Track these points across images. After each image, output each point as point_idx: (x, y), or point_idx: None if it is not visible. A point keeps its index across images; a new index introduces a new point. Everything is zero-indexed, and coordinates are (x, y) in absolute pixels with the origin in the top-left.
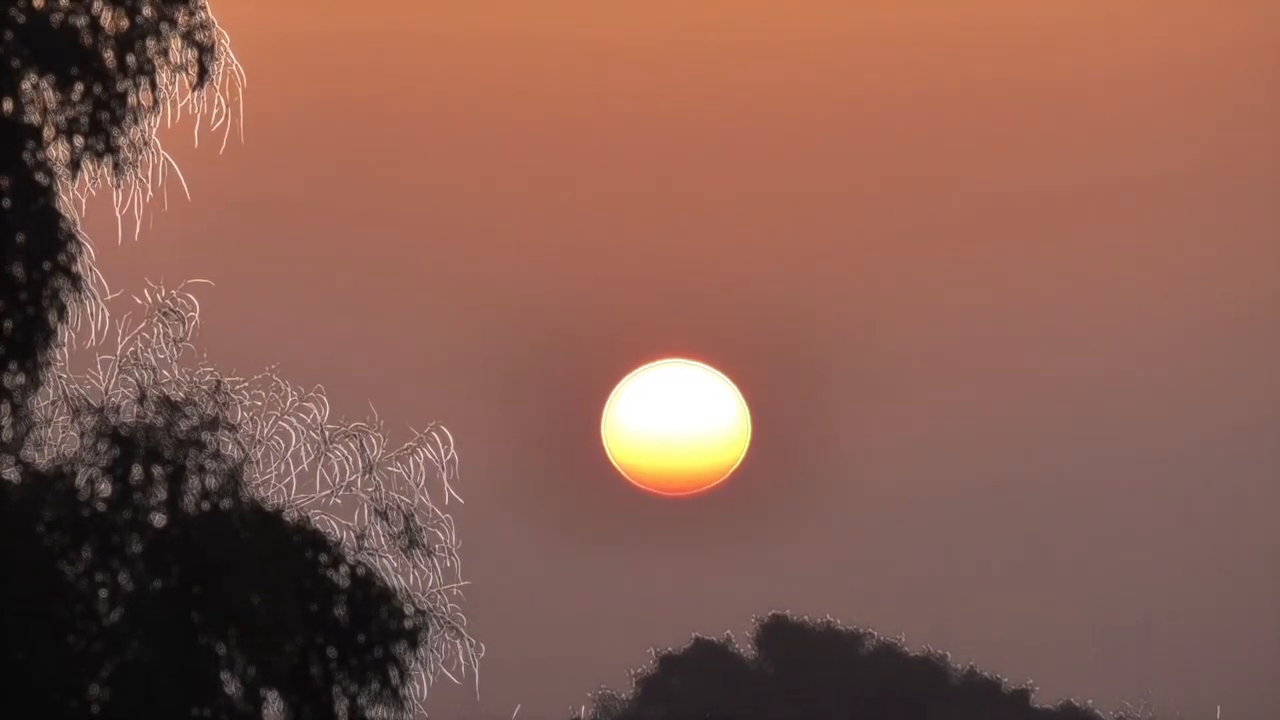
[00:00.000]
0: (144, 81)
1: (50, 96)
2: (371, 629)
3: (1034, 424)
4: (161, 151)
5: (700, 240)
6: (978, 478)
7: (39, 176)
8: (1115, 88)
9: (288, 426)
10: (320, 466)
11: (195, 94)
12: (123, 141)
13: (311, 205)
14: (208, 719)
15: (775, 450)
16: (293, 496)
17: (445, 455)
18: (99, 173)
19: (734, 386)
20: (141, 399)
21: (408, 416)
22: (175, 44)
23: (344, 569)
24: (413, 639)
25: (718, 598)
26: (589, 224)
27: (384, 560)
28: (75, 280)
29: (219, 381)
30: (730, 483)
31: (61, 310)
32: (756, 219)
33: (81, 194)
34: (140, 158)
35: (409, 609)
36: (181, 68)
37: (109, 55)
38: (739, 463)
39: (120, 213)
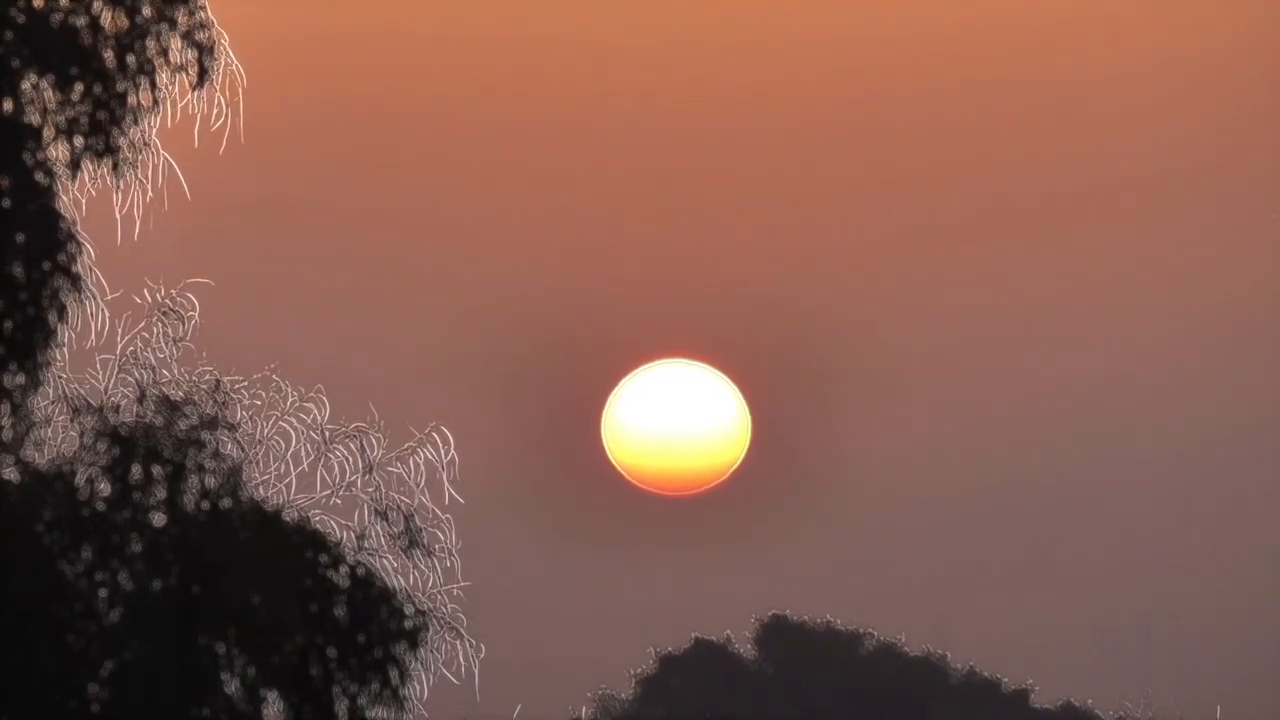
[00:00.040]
0: (144, 81)
1: (50, 96)
2: (371, 629)
3: (1034, 424)
4: (161, 151)
5: (700, 240)
6: (978, 478)
7: (39, 176)
8: (1115, 88)
9: (288, 426)
10: (320, 467)
11: (195, 94)
12: (123, 141)
13: (311, 205)
14: (207, 719)
15: (775, 450)
16: (293, 496)
17: (445, 455)
18: (99, 173)
19: (734, 386)
20: (141, 398)
21: (408, 416)
22: (175, 44)
23: (344, 569)
24: (413, 639)
25: (718, 598)
26: (589, 224)
27: (384, 560)
28: (75, 280)
29: (219, 381)
30: (730, 483)
31: (61, 310)
32: (756, 219)
33: (81, 194)
34: (140, 158)
35: (409, 609)
36: (181, 68)
37: (109, 55)
38: (739, 463)
39: (120, 213)
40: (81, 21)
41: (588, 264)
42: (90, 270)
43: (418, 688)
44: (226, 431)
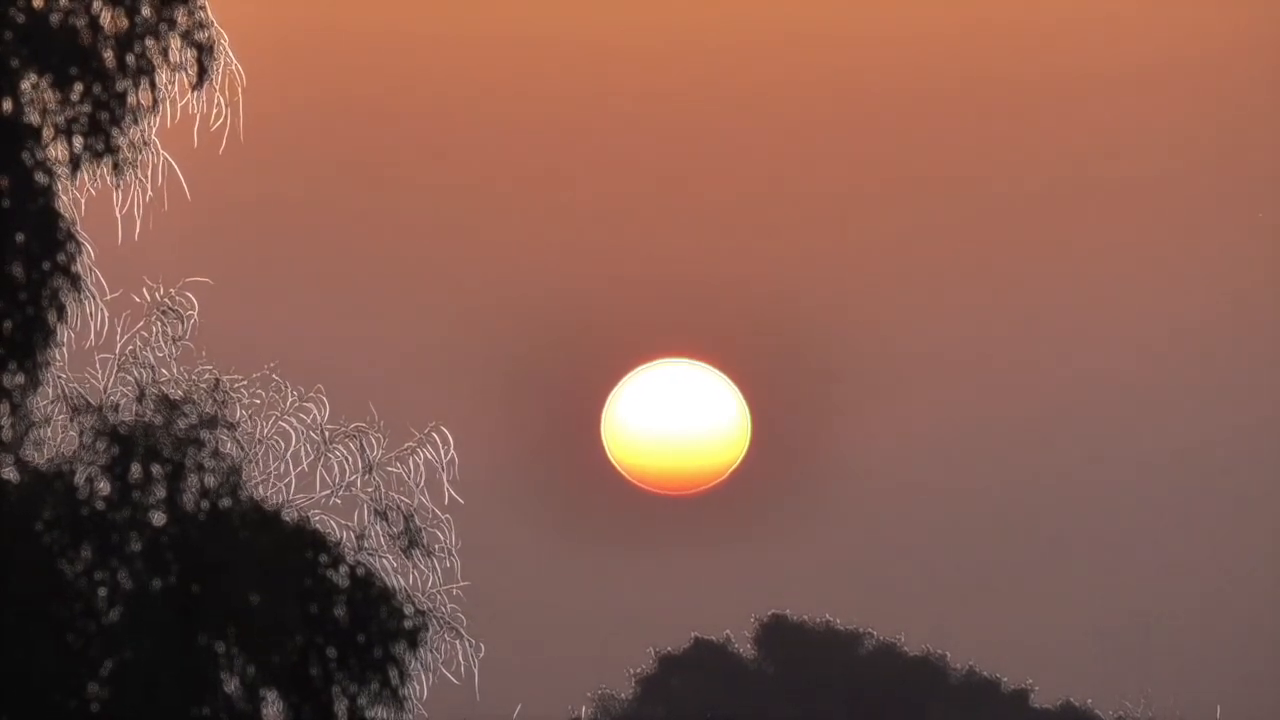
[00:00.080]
0: (143, 81)
1: (50, 96)
2: (371, 629)
3: (1034, 423)
4: (161, 151)
5: (700, 240)
6: (978, 478)
7: (38, 176)
8: (1115, 88)
9: (287, 426)
10: (320, 466)
11: (195, 94)
12: (122, 141)
13: (311, 205)
14: (207, 718)
15: (775, 450)
16: (292, 496)
17: (445, 455)
18: (98, 173)
19: (734, 386)
20: (140, 398)
21: (408, 416)
22: (175, 44)
23: (344, 569)
24: (412, 639)
25: (718, 598)
26: (589, 224)
27: (384, 560)
28: (75, 280)
29: (218, 380)
30: (730, 483)
31: (61, 310)
32: (756, 219)
33: (81, 194)
34: (140, 157)
35: (409, 609)
36: (181, 67)
37: (108, 55)
38: (739, 463)
39: (120, 212)
40: (81, 21)
41: (588, 264)
42: (90, 270)
43: (417, 688)
44: (226, 431)
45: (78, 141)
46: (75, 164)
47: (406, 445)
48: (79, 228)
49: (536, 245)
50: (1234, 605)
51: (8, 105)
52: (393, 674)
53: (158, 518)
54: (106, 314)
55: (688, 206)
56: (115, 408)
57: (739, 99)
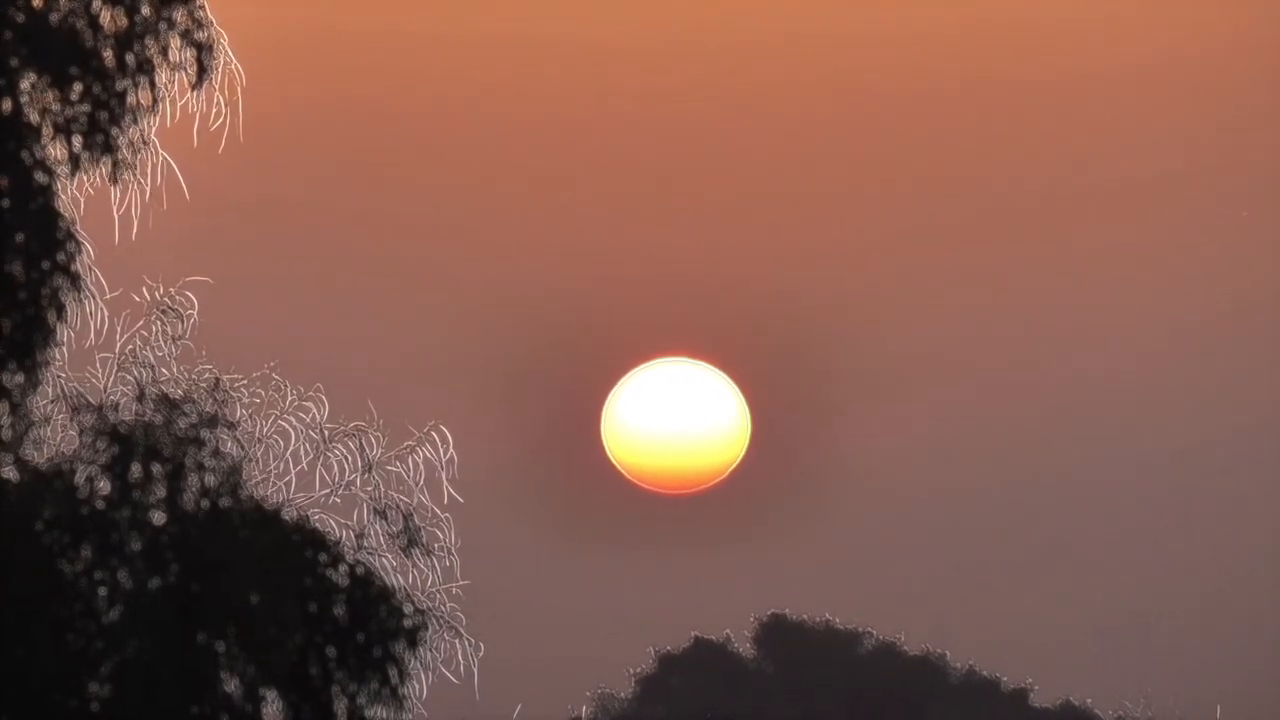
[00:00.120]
0: (143, 81)
1: (49, 96)
2: (371, 628)
3: (1034, 424)
4: (160, 151)
5: (700, 240)
6: (978, 478)
7: (38, 176)
8: (1115, 88)
9: (287, 425)
10: (319, 465)
11: (194, 93)
12: (121, 141)
13: (311, 205)
14: (207, 717)
15: (775, 450)
16: (292, 495)
17: (445, 455)
18: (98, 172)
19: (734, 386)
20: (140, 397)
21: (407, 416)
22: (174, 43)
23: (343, 568)
24: (412, 638)
25: (717, 597)
26: (589, 224)
27: (383, 560)
28: (74, 279)
29: (218, 379)
30: (730, 482)
31: (60, 309)
32: (756, 219)
33: (80, 193)
34: (139, 157)
35: (408, 608)
36: (180, 67)
37: (108, 54)
38: (739, 462)
39: (119, 212)
40: (81, 21)
41: (588, 264)
42: (89, 269)
43: (417, 687)
44: (226, 430)
45: (77, 141)
46: (75, 163)
47: (406, 444)
48: (78, 227)
49: (536, 245)
50: (1234, 605)
51: (7, 105)
52: (392, 673)
53: (158, 517)
54: (106, 313)
55: (688, 206)
56: (115, 407)
57: (739, 99)
